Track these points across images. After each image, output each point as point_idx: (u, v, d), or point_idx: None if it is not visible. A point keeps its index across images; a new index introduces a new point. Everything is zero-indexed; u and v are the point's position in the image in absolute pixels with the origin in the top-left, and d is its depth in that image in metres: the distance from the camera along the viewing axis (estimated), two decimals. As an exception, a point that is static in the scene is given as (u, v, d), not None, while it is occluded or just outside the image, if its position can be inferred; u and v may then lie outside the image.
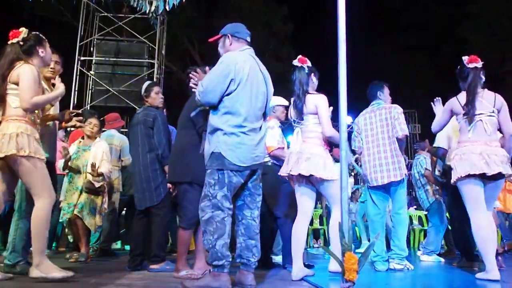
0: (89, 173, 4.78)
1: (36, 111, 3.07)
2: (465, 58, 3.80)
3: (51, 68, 3.57)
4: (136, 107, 9.27)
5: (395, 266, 4.13)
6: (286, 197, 4.19)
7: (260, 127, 2.92)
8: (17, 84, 2.93)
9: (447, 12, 21.13)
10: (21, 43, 3.03)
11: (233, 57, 2.82)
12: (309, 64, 3.75)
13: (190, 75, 3.38)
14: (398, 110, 4.31)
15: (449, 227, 5.66)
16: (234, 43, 2.98)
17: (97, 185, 4.81)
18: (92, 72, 9.68)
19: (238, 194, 2.91)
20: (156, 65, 9.73)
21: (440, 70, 20.40)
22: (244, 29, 3.04)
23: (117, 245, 6.61)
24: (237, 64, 2.77)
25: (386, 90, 4.55)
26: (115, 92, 9.24)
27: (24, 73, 2.91)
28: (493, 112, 3.61)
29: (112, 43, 9.85)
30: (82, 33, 9.65)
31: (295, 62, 3.74)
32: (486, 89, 3.70)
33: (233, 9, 18.33)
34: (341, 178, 2.67)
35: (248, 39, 3.02)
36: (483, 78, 3.73)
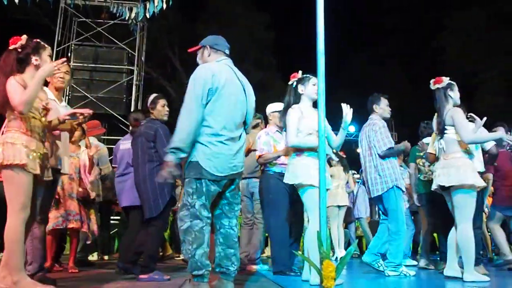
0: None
1: (44, 123, 3.03)
2: (432, 81, 4.08)
3: (60, 77, 3.55)
4: (115, 114, 9.21)
5: (389, 273, 4.21)
6: (270, 204, 4.28)
7: (240, 136, 2.92)
8: None
9: (424, 22, 21.61)
10: (19, 50, 2.99)
11: (206, 69, 2.82)
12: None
13: None
14: (373, 127, 4.40)
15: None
16: (212, 54, 3.00)
17: (92, 195, 4.81)
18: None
19: (216, 203, 2.91)
20: (135, 72, 9.66)
21: (416, 79, 20.84)
22: (224, 42, 3.08)
23: (93, 256, 6.50)
24: (211, 75, 2.77)
25: (383, 102, 4.58)
26: (93, 99, 9.13)
27: (8, 86, 2.86)
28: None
29: (91, 48, 9.74)
30: (59, 38, 9.52)
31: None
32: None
33: (215, 15, 18.36)
34: (320, 187, 2.69)
35: (227, 51, 3.05)
36: (450, 96, 3.96)
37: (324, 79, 2.74)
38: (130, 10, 8.95)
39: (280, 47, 19.22)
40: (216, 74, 2.79)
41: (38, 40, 3.12)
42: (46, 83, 3.42)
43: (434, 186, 3.94)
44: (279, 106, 4.60)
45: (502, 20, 19.36)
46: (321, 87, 2.76)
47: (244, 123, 3.00)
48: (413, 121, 5.74)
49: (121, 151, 4.70)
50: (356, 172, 9.74)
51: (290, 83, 3.85)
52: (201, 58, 3.04)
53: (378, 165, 4.29)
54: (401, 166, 6.00)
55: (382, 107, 4.54)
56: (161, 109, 4.14)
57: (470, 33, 19.76)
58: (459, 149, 3.82)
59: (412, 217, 6.30)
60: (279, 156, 4.40)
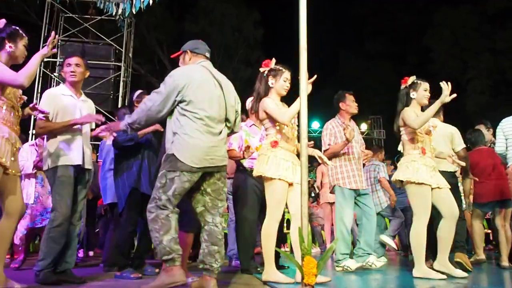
0: None
1: (20, 113, 2.99)
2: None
3: (71, 71, 3.50)
4: (102, 110, 9.13)
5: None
6: (240, 199, 4.28)
7: (221, 132, 2.95)
8: None
9: (412, 21, 21.75)
10: None
11: (182, 71, 2.95)
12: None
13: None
14: (324, 127, 4.66)
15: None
16: (193, 58, 3.10)
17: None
18: (56, 74, 9.44)
19: (198, 200, 2.93)
20: (123, 68, 9.60)
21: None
22: (204, 46, 3.16)
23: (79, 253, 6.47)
24: (186, 76, 2.87)
25: (349, 99, 4.63)
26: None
27: None
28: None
29: (77, 44, 9.64)
30: (46, 34, 9.41)
31: (263, 69, 3.74)
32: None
33: (204, 12, 18.30)
34: (302, 183, 2.70)
35: (207, 54, 3.13)
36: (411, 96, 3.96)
37: (306, 75, 2.76)
38: (117, 6, 8.87)
39: (269, 44, 19.21)
40: (190, 75, 2.89)
41: (17, 27, 3.05)
42: (63, 80, 3.38)
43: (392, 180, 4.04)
44: None
45: (489, 19, 19.58)
46: (304, 84, 2.78)
47: (227, 120, 3.02)
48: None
49: (107, 147, 4.69)
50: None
51: (261, 70, 3.72)
52: (182, 62, 3.14)
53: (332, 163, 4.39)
54: (375, 163, 6.09)
55: (348, 104, 4.61)
56: None
57: (457, 32, 19.94)
58: (411, 147, 3.86)
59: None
60: (247, 157, 4.30)
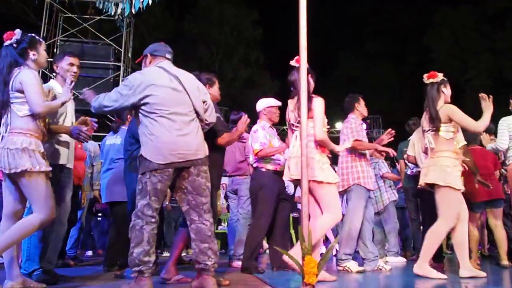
0: None
1: (44, 121, 3.00)
2: (425, 76, 3.97)
3: (73, 72, 3.53)
4: (101, 110, 9.13)
5: (367, 268, 4.26)
6: (262, 202, 4.21)
7: (188, 124, 2.91)
8: (20, 92, 2.83)
9: (412, 21, 21.75)
10: (14, 45, 2.93)
11: (131, 76, 2.98)
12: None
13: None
14: (346, 124, 4.51)
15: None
16: (153, 61, 3.11)
17: None
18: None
19: (181, 199, 2.92)
20: (122, 68, 9.58)
21: (404, 77, 21.00)
22: (164, 48, 3.15)
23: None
24: (141, 78, 2.89)
25: (362, 102, 4.67)
26: (79, 95, 9.02)
27: (27, 79, 2.83)
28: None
29: (77, 44, 9.61)
30: (45, 34, 9.40)
31: (293, 63, 3.61)
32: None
33: (203, 13, 18.30)
34: (302, 183, 2.69)
35: (168, 56, 3.12)
36: (443, 92, 3.88)
37: (306, 75, 2.74)
38: (117, 5, 8.85)
39: (268, 44, 19.21)
40: (145, 78, 2.90)
41: (32, 34, 3.07)
42: (54, 75, 3.41)
43: (421, 183, 3.89)
44: (271, 101, 4.58)
45: (488, 19, 19.59)
46: (304, 83, 2.77)
47: (196, 113, 2.99)
48: (401, 118, 5.77)
49: (106, 147, 4.70)
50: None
51: (298, 66, 3.57)
52: (144, 66, 3.15)
53: (349, 161, 4.39)
54: (374, 160, 5.96)
55: (362, 106, 4.65)
56: None
57: (457, 32, 19.95)
58: (447, 148, 3.80)
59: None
60: (277, 151, 4.36)
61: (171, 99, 2.88)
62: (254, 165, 4.43)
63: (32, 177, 2.78)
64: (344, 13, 22.96)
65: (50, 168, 2.89)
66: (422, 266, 3.69)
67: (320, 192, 3.51)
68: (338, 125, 17.06)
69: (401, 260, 5.66)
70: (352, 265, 4.26)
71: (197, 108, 2.99)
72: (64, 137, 3.41)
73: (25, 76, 2.83)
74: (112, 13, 9.00)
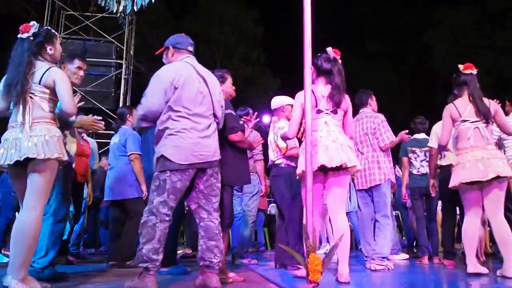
0: None
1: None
2: (461, 66, 3.91)
3: (80, 75, 3.57)
4: (103, 108, 9.14)
5: (376, 267, 4.23)
6: (295, 198, 4.19)
7: (208, 127, 2.94)
8: (49, 88, 2.80)
9: (412, 21, 21.76)
10: (31, 38, 2.84)
11: (166, 69, 2.94)
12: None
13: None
14: (375, 120, 4.50)
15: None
16: (176, 54, 3.09)
17: None
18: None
19: (191, 197, 2.95)
20: (124, 66, 9.57)
21: (404, 77, 21.01)
22: (186, 40, 3.15)
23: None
24: (172, 74, 2.87)
25: (373, 98, 4.73)
26: (81, 93, 9.02)
27: (62, 78, 2.82)
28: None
29: (79, 42, 9.61)
30: (47, 31, 9.40)
31: (331, 53, 3.63)
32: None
33: (204, 11, 18.29)
34: (306, 180, 2.71)
35: (190, 48, 3.12)
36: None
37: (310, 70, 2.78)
38: (118, 3, 8.83)
39: (269, 42, 19.22)
40: (176, 74, 2.87)
41: (48, 27, 3.00)
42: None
43: (491, 175, 3.56)
44: (287, 99, 4.54)
45: (488, 18, 19.60)
46: (308, 79, 2.80)
47: (215, 116, 3.03)
48: (401, 118, 5.79)
49: (110, 146, 4.84)
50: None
51: (336, 57, 3.65)
52: (165, 59, 3.14)
53: (378, 156, 4.40)
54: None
55: (374, 102, 4.71)
56: None
57: (457, 31, 19.97)
58: (493, 141, 3.86)
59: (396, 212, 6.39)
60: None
61: (195, 100, 2.89)
62: (279, 161, 4.40)
63: (51, 166, 2.72)
64: (344, 13, 22.96)
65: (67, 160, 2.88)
66: (472, 262, 3.70)
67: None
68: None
69: (403, 257, 5.68)
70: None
71: (216, 112, 3.03)
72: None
73: (59, 75, 2.82)
74: (114, 11, 8.99)
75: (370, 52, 22.92)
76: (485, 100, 3.80)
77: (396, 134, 4.69)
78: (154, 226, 2.73)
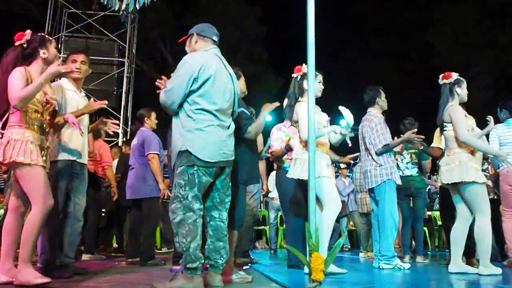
0: None
1: (45, 117, 3.05)
2: (440, 75, 4.08)
3: (77, 68, 3.60)
4: (106, 106, 9.14)
5: (383, 266, 4.27)
6: (297, 202, 4.24)
7: (229, 125, 2.92)
8: None
9: (413, 18, 21.70)
10: (24, 45, 3.02)
11: (197, 57, 2.83)
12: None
13: (157, 83, 3.07)
14: (370, 124, 4.49)
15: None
16: (200, 42, 2.99)
17: None
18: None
19: (207, 194, 2.89)
20: (126, 64, 9.60)
21: (406, 74, 20.96)
22: (212, 29, 3.05)
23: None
24: (202, 64, 2.77)
25: (383, 95, 4.70)
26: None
27: (11, 77, 2.88)
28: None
29: (81, 40, 9.66)
30: (49, 30, 9.43)
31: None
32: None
33: (206, 9, 18.25)
34: (309, 179, 2.72)
35: (215, 38, 3.03)
36: (456, 92, 4.00)
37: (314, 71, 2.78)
38: (121, 1, 8.85)
39: (271, 40, 19.18)
40: (206, 64, 2.78)
41: (43, 34, 3.18)
42: (64, 74, 3.46)
43: (440, 183, 4.06)
44: None
45: (490, 15, 19.53)
46: (311, 79, 2.80)
47: (232, 112, 3.01)
48: (403, 116, 5.79)
49: (131, 148, 5.03)
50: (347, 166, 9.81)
51: (294, 76, 3.82)
52: (189, 46, 3.04)
53: (375, 159, 4.39)
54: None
55: (383, 100, 4.65)
56: None
57: (458, 29, 19.91)
58: (456, 146, 3.87)
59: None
60: (287, 152, 4.39)
61: (224, 96, 2.85)
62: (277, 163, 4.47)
63: (25, 169, 2.82)
64: (344, 10, 22.89)
65: (43, 163, 2.90)
66: (487, 265, 3.76)
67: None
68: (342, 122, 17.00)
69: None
70: (399, 262, 4.32)
71: (235, 109, 3.02)
72: (75, 133, 3.45)
73: (11, 76, 2.89)
74: (116, 9, 8.99)
75: (371, 50, 22.87)
76: (450, 105, 3.96)
77: (396, 134, 4.70)
78: (195, 222, 2.66)
